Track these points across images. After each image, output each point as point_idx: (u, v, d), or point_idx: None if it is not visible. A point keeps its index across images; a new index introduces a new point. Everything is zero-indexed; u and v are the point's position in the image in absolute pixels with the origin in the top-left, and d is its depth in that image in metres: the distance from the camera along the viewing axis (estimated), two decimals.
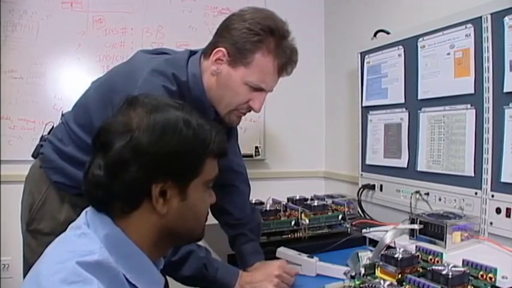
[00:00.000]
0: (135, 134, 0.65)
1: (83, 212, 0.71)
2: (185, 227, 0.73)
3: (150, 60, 1.06)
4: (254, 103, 1.08)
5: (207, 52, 1.07)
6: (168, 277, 1.07)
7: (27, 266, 1.10)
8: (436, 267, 0.89)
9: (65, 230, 0.71)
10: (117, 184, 0.65)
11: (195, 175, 0.70)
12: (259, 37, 1.01)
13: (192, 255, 1.03)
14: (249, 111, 1.11)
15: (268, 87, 1.08)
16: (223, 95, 1.06)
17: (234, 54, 1.02)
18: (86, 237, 0.66)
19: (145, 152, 0.65)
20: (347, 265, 1.12)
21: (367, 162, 1.84)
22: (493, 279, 0.87)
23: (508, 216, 1.21)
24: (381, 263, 0.97)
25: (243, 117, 1.16)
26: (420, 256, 1.00)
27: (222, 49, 1.03)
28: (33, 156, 1.20)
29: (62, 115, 1.20)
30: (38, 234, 1.11)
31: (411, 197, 1.55)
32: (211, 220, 1.23)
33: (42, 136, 1.22)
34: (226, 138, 0.77)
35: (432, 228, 1.20)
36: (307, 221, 1.38)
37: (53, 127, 1.23)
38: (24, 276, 1.09)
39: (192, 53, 1.12)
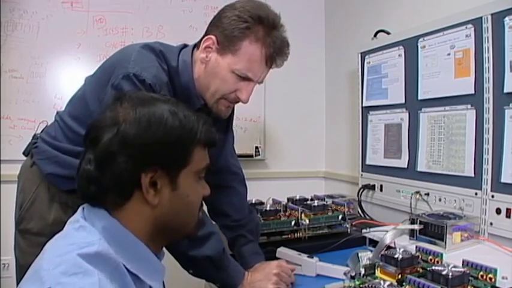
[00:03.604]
0: (121, 127, 0.67)
1: (80, 208, 0.72)
2: (178, 219, 0.74)
3: (141, 43, 1.08)
4: (241, 93, 1.07)
5: (199, 43, 1.09)
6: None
7: (18, 266, 1.11)
8: (436, 268, 0.89)
9: (53, 230, 0.72)
10: (107, 176, 0.66)
11: (184, 164, 0.71)
12: (247, 24, 1.01)
13: (214, 236, 1.03)
14: (237, 101, 1.11)
15: (255, 77, 1.07)
16: (210, 83, 1.07)
17: (223, 41, 1.03)
18: (84, 230, 0.67)
19: (131, 143, 0.66)
20: (347, 265, 1.12)
21: (367, 162, 1.84)
22: (493, 280, 0.87)
23: (508, 216, 1.21)
24: (381, 263, 0.97)
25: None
26: (420, 256, 1.01)
27: (212, 37, 1.04)
28: (24, 153, 1.19)
29: (57, 113, 1.20)
30: (27, 234, 1.10)
31: (411, 197, 1.55)
32: None
33: (34, 134, 1.22)
34: (214, 128, 0.77)
35: (432, 229, 1.20)
36: (307, 221, 1.38)
37: (46, 126, 1.23)
38: (16, 276, 1.09)
39: (186, 45, 1.14)
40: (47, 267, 0.60)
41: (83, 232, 0.66)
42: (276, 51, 1.05)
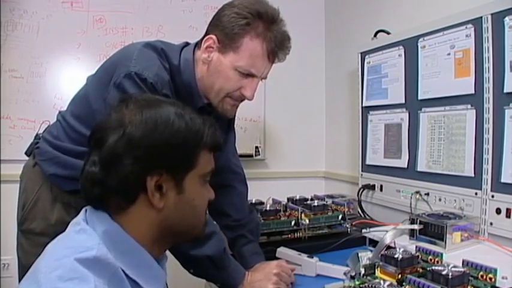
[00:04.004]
0: (127, 129, 0.66)
1: (83, 210, 0.71)
2: (184, 223, 0.73)
3: (142, 41, 1.08)
4: (246, 90, 1.07)
5: (199, 43, 1.09)
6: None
7: (21, 266, 1.11)
8: (436, 268, 0.89)
9: (56, 230, 0.71)
10: (112, 178, 0.65)
11: (190, 167, 0.71)
12: (246, 20, 1.01)
13: (215, 236, 1.03)
14: (242, 99, 1.10)
15: (259, 73, 1.07)
16: (214, 82, 1.06)
17: (223, 40, 1.03)
18: (84, 233, 0.66)
19: (138, 145, 0.66)
20: (347, 265, 1.12)
21: (367, 162, 1.84)
22: (493, 280, 0.87)
23: (508, 216, 1.21)
24: (380, 263, 0.97)
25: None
26: (420, 256, 1.01)
27: (212, 36, 1.04)
28: (26, 153, 1.19)
29: (59, 112, 1.20)
30: (30, 234, 1.10)
31: (411, 197, 1.55)
32: None
33: (37, 134, 1.22)
34: (220, 132, 0.77)
35: (432, 229, 1.20)
36: (307, 221, 1.38)
37: (48, 126, 1.23)
38: (19, 276, 1.09)
39: (188, 44, 1.14)
40: (45, 270, 0.60)
41: (83, 235, 0.66)
42: (277, 45, 1.05)
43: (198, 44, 1.11)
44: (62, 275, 0.58)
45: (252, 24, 1.02)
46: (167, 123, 0.68)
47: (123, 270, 0.65)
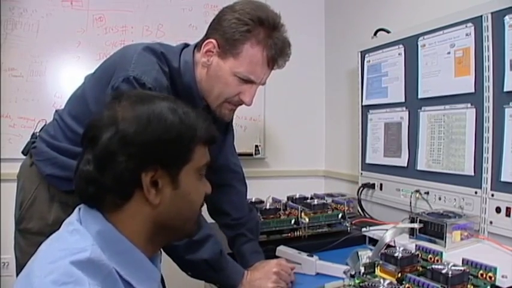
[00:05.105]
0: (120, 126, 0.65)
1: (76, 209, 0.71)
2: (179, 218, 0.72)
3: (142, 43, 1.07)
4: (244, 96, 1.07)
5: (199, 45, 1.08)
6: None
7: (18, 266, 1.10)
8: (436, 266, 0.90)
9: (53, 230, 0.71)
10: (106, 176, 0.65)
11: (185, 161, 0.70)
12: (248, 27, 1.01)
13: (211, 239, 1.03)
14: (240, 104, 1.10)
15: (258, 80, 1.06)
16: (213, 87, 1.06)
17: (224, 45, 1.03)
18: (77, 233, 0.65)
19: (131, 142, 0.65)
20: (347, 264, 1.12)
21: (367, 161, 1.84)
22: (493, 279, 0.87)
23: (507, 215, 1.21)
24: (380, 262, 0.97)
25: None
26: (420, 255, 1.01)
27: (212, 40, 1.04)
28: (23, 153, 1.19)
29: (56, 111, 1.19)
30: (27, 234, 1.10)
31: (411, 196, 1.55)
32: (209, 219, 1.24)
33: (33, 133, 1.21)
34: (214, 125, 0.76)
35: (432, 227, 1.20)
36: (307, 219, 1.38)
37: (45, 124, 1.23)
38: (17, 276, 1.09)
39: (187, 45, 1.13)
40: (39, 273, 0.59)
41: (76, 235, 0.65)
42: (277, 53, 1.04)
43: (197, 46, 1.10)
44: (56, 279, 0.57)
45: (253, 31, 1.01)
46: (160, 119, 0.67)
47: (117, 271, 0.64)
